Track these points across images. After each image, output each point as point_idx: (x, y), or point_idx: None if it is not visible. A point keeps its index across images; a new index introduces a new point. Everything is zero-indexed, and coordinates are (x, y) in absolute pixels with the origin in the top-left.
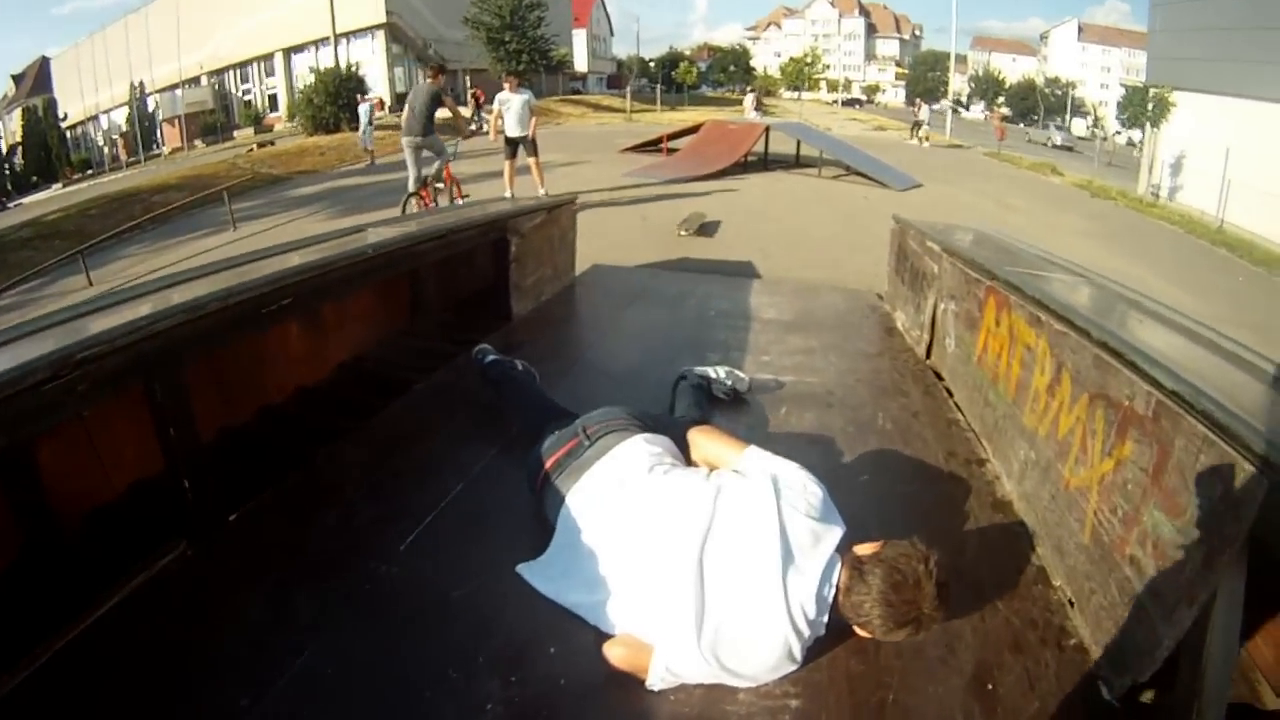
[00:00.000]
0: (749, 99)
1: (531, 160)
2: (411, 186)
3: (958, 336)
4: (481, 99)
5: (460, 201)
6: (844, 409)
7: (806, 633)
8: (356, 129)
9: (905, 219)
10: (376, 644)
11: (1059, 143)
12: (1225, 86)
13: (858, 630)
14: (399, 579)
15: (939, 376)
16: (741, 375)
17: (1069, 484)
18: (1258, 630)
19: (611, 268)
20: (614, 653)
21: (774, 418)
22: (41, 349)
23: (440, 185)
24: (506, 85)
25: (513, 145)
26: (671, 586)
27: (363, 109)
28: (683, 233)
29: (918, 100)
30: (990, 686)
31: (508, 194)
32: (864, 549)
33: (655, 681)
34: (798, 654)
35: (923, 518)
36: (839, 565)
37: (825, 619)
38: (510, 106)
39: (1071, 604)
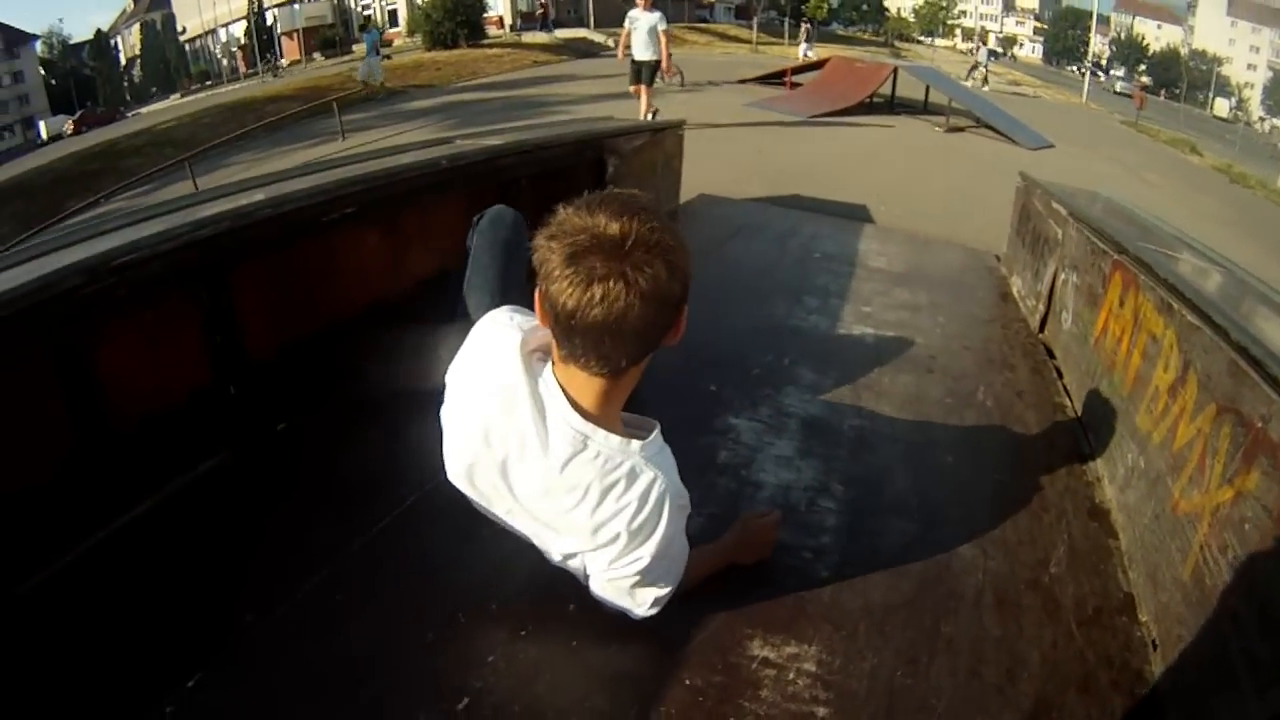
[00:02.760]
0: (804, 29)
1: (646, 86)
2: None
3: (1076, 312)
4: (549, 13)
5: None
6: (945, 377)
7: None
8: (476, 45)
9: (1033, 178)
10: (390, 577)
11: (1118, 90)
12: None
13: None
14: (426, 510)
15: (1050, 354)
16: None
17: (1177, 505)
18: None
19: (719, 198)
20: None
21: (866, 376)
22: (83, 254)
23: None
24: (639, 2)
25: (637, 69)
26: None
27: (368, 38)
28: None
29: (977, 43)
30: None
31: (641, 118)
32: None
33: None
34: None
35: (1008, 514)
36: None
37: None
38: (638, 26)
39: (1155, 646)
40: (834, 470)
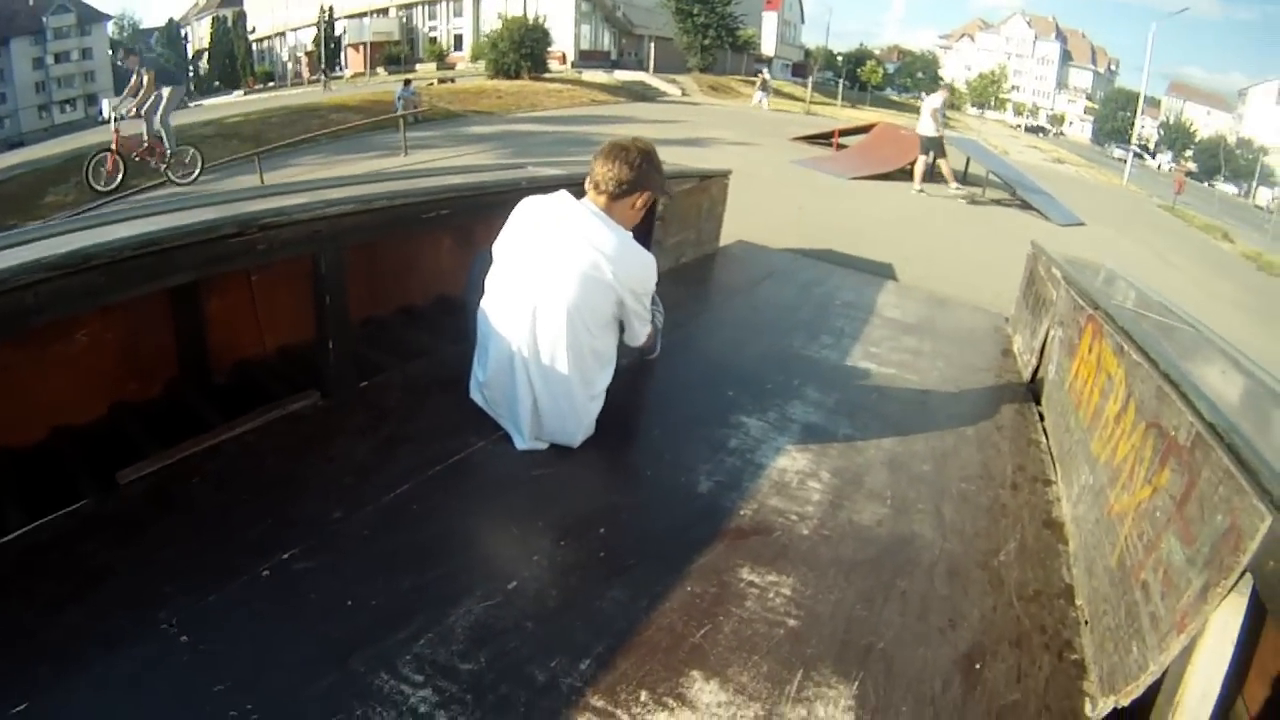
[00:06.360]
0: (759, 78)
1: (943, 161)
2: None
3: (1059, 363)
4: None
5: None
6: (933, 409)
7: None
8: (538, 78)
9: (1040, 245)
10: (456, 497)
11: (1117, 155)
12: None
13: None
14: (491, 453)
15: (1036, 401)
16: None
17: (1112, 509)
18: (1254, 676)
19: (755, 245)
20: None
21: (864, 400)
22: (232, 212)
23: None
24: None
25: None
26: None
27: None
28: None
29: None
30: (978, 666)
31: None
32: None
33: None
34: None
35: (968, 514)
36: None
37: None
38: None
39: (1086, 623)
40: (823, 463)
